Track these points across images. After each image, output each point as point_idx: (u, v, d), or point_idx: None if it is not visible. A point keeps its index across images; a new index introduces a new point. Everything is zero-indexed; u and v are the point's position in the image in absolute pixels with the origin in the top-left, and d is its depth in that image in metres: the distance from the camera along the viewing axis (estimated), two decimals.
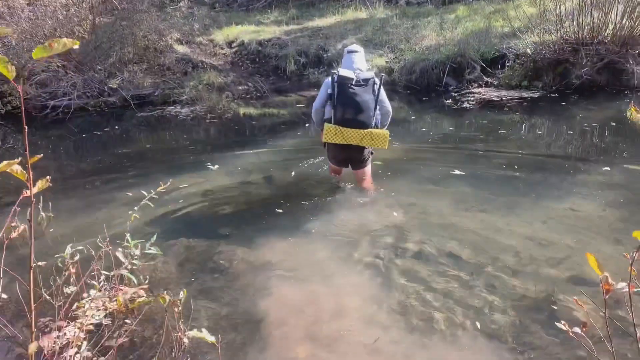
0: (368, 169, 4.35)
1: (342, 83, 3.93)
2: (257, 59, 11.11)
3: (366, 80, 3.92)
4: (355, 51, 4.20)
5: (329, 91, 4.01)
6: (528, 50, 8.32)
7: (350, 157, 4.27)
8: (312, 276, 2.91)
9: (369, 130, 3.97)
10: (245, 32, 12.03)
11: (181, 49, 10.72)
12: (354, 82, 3.92)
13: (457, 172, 4.63)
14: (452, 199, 3.98)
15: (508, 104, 7.55)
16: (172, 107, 8.15)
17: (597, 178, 4.30)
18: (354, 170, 4.37)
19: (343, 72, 3.94)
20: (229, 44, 11.70)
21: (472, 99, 8.00)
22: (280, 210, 3.96)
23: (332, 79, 3.93)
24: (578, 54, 8.04)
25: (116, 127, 7.21)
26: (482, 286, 2.70)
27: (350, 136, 4.00)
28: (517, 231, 3.33)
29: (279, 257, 3.14)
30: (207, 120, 7.40)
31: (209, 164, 5.23)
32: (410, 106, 8.04)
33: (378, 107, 4.01)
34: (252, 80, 9.98)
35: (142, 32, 9.17)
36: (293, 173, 4.96)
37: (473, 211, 3.72)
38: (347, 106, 3.95)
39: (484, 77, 8.82)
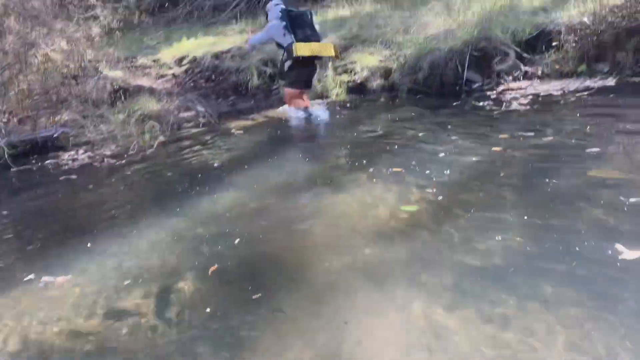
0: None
1: (296, 14, 5.72)
2: (214, 76, 8.55)
3: (303, 11, 6.00)
4: (280, 2, 5.90)
5: (283, 24, 5.57)
6: (585, 20, 5.68)
7: (310, 74, 5.94)
8: None
9: (323, 42, 5.81)
10: (199, 46, 9.53)
11: (111, 73, 8.18)
12: (301, 12, 5.91)
13: None
14: None
15: (573, 99, 4.90)
16: (72, 153, 5.53)
17: None
18: (306, 90, 6.09)
19: (290, 8, 5.76)
20: (178, 61, 9.17)
21: (516, 95, 5.35)
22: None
23: (284, 15, 5.61)
24: None
25: None
26: None
27: (315, 48, 5.55)
28: None
29: None
30: (106, 171, 4.78)
31: (88, 244, 2.65)
32: (423, 119, 5.36)
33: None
34: (203, 103, 7.39)
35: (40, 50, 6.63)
36: (237, 241, 2.66)
37: None
38: (304, 28, 5.62)
39: (522, 65, 6.19)
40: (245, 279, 2.60)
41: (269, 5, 6.11)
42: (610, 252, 2.21)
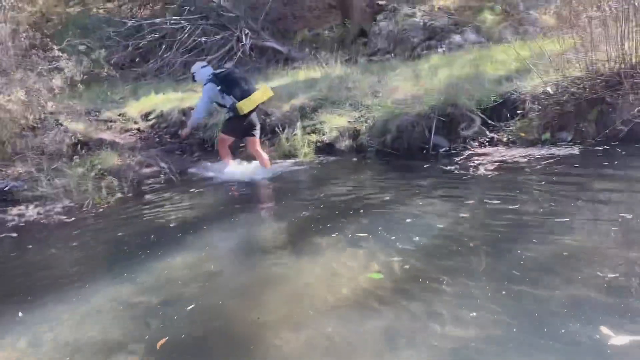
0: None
1: (224, 75, 5.77)
2: (180, 132, 8.39)
3: (231, 68, 6.55)
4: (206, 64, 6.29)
5: (218, 88, 5.69)
6: (549, 90, 5.81)
7: (250, 124, 5.97)
8: None
9: (260, 90, 5.79)
10: (167, 101, 9.41)
11: (73, 125, 7.94)
12: (228, 70, 6.14)
13: None
14: None
15: (539, 167, 4.90)
16: (22, 208, 5.19)
17: None
18: (249, 138, 6.12)
19: (217, 71, 5.94)
20: (145, 116, 9.01)
21: (483, 161, 5.34)
22: None
23: (215, 79, 5.73)
24: (619, 89, 5.58)
25: None
26: None
27: (256, 98, 5.69)
28: None
29: None
30: (53, 229, 4.47)
31: (19, 314, 2.38)
32: (390, 182, 5.29)
33: None
34: (165, 159, 7.18)
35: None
36: (189, 307, 2.63)
37: None
38: (240, 84, 5.66)
39: (487, 132, 6.25)
40: (196, 355, 2.34)
41: (194, 68, 6.28)
42: (598, 336, 2.05)
